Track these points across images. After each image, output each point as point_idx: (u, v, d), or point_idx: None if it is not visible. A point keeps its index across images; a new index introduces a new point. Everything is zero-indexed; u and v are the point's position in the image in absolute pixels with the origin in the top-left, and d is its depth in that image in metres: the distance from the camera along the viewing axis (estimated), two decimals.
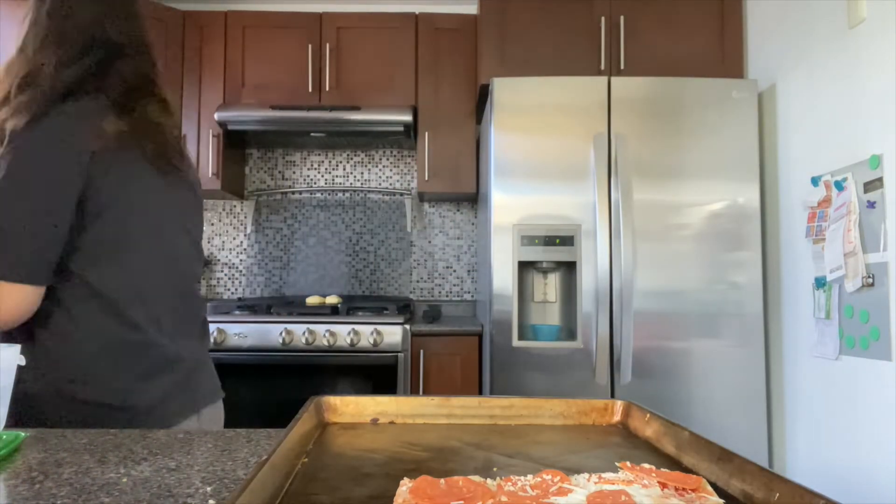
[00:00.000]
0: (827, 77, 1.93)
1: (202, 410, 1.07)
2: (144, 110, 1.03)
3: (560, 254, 2.11)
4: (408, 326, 2.33)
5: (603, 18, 2.45)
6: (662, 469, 0.55)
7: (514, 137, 2.14)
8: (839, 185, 1.83)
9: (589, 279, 2.09)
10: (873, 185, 1.70)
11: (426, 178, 2.66)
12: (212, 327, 2.29)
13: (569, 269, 2.17)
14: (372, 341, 2.28)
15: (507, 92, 2.15)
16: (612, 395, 2.04)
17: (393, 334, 2.30)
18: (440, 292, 3.02)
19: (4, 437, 0.72)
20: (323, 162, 3.06)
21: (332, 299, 2.62)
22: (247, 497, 0.43)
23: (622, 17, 2.45)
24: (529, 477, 0.52)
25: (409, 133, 2.66)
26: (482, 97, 2.57)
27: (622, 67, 2.44)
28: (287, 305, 2.50)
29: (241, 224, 3.03)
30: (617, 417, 0.76)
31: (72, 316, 0.94)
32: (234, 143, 2.86)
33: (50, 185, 0.89)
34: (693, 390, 2.08)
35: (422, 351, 2.33)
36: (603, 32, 2.45)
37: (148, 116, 1.03)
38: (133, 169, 0.99)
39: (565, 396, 0.78)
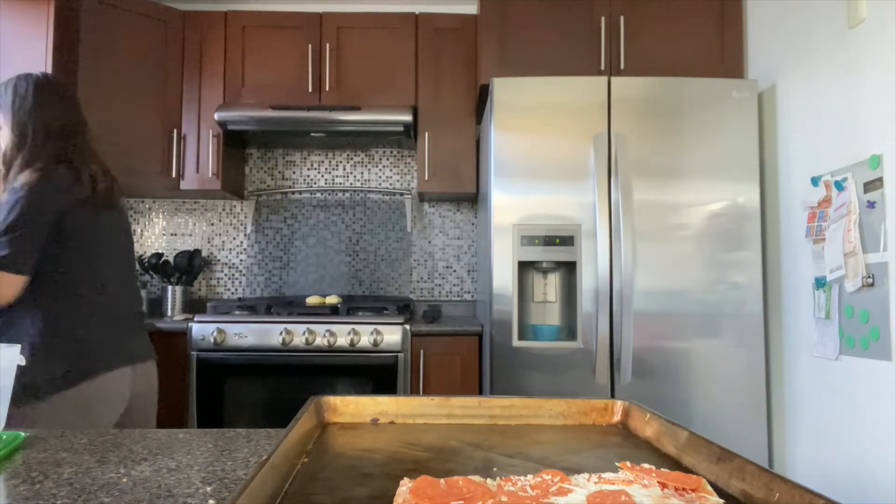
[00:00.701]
0: (827, 77, 1.93)
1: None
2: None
3: (560, 254, 2.11)
4: (408, 326, 2.33)
5: (603, 18, 2.45)
6: (662, 469, 0.55)
7: (514, 137, 2.14)
8: (839, 185, 1.83)
9: (589, 279, 2.09)
10: (873, 185, 1.70)
11: (426, 178, 2.66)
12: (212, 327, 2.29)
13: (569, 269, 2.17)
14: (372, 341, 2.28)
15: (507, 92, 2.15)
16: (612, 395, 2.05)
17: (393, 334, 2.30)
18: (440, 292, 3.02)
19: (4, 437, 0.72)
20: (323, 162, 3.06)
21: (332, 299, 2.62)
22: (247, 497, 0.43)
23: (622, 17, 2.45)
24: (529, 477, 0.52)
25: (409, 133, 2.66)
26: (482, 97, 2.57)
27: (622, 67, 2.44)
28: (287, 305, 2.50)
29: (241, 224, 3.03)
30: (617, 417, 0.76)
31: None
32: (234, 143, 2.86)
33: None
34: (693, 390, 2.08)
35: (422, 351, 2.33)
36: (603, 32, 2.45)
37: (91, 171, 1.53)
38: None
39: (565, 396, 0.78)
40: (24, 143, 1.42)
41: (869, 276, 1.70)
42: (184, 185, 2.69)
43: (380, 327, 2.30)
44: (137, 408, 1.53)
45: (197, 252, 2.91)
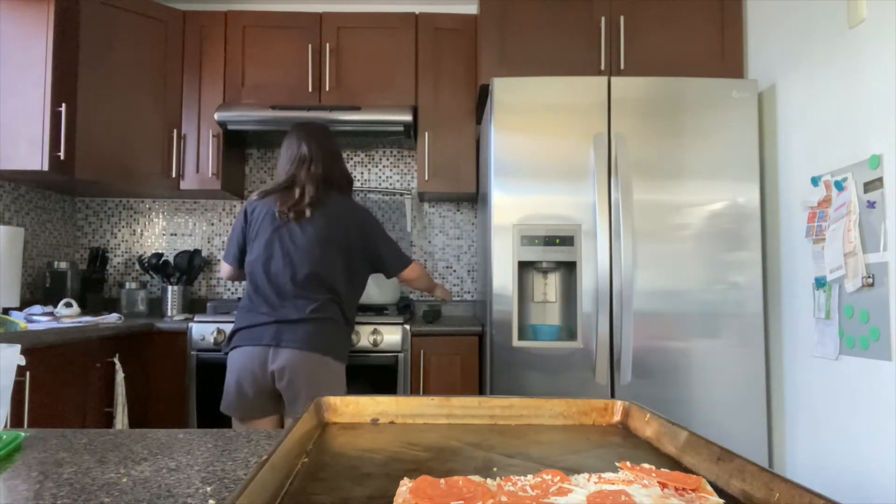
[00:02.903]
0: (827, 77, 1.93)
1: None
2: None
3: (560, 254, 2.11)
4: (408, 326, 2.33)
5: (603, 18, 2.45)
6: (662, 469, 0.55)
7: (514, 137, 2.14)
8: (839, 185, 1.83)
9: (589, 279, 2.09)
10: (873, 185, 1.70)
11: (426, 178, 2.66)
12: (212, 327, 2.29)
13: (569, 269, 2.17)
14: (372, 341, 2.28)
15: (507, 92, 2.15)
16: (612, 395, 2.04)
17: (393, 334, 2.30)
18: None
19: (4, 437, 0.72)
20: None
21: None
22: (247, 497, 0.43)
23: (622, 17, 2.45)
24: (529, 477, 0.52)
25: (409, 133, 2.66)
26: (482, 97, 2.57)
27: (622, 67, 2.44)
28: None
29: None
30: (617, 417, 0.76)
31: None
32: (234, 143, 2.86)
33: None
34: (693, 390, 2.08)
35: (422, 351, 2.33)
36: (603, 32, 2.45)
37: None
38: None
39: (565, 396, 0.78)
40: None
41: (869, 276, 1.70)
42: (184, 185, 2.69)
43: (380, 327, 2.30)
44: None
45: (197, 252, 2.91)
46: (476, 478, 0.51)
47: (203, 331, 2.29)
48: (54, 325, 2.04)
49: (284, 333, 1.78)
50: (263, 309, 1.82)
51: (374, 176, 3.05)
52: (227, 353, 1.86)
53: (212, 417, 2.28)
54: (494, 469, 0.59)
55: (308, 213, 1.84)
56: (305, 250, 1.83)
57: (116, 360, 2.13)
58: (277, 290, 1.83)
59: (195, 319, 2.32)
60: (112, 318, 2.33)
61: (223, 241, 3.03)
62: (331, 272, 1.85)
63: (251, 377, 1.78)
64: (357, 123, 2.59)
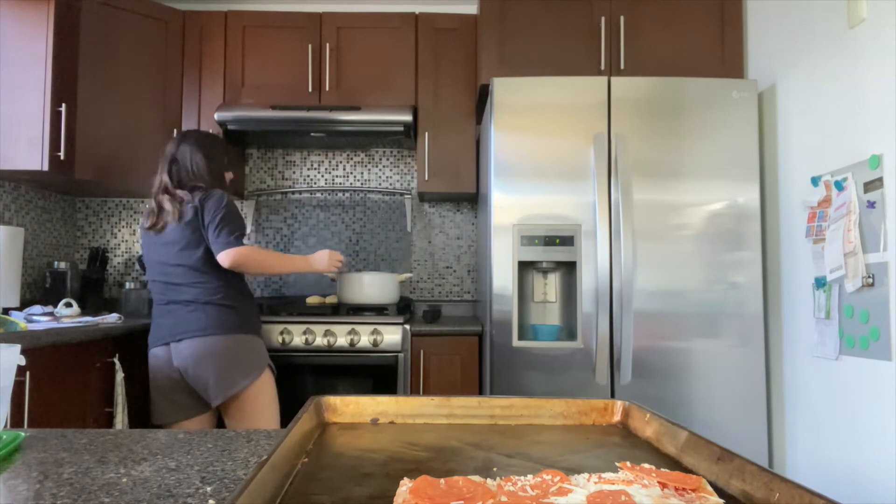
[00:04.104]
0: (827, 77, 1.93)
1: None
2: None
3: (560, 254, 2.11)
4: (408, 326, 2.33)
5: (603, 18, 2.45)
6: (662, 469, 0.55)
7: (514, 137, 2.14)
8: (839, 185, 1.83)
9: (589, 279, 2.09)
10: (873, 185, 1.70)
11: (426, 178, 2.66)
12: None
13: (569, 269, 2.17)
14: (372, 341, 2.28)
15: (507, 92, 2.15)
16: (612, 395, 2.04)
17: (393, 334, 2.30)
18: (440, 292, 3.02)
19: (4, 437, 0.72)
20: (323, 162, 3.06)
21: (331, 299, 2.62)
22: (247, 497, 0.43)
23: (622, 17, 2.45)
24: (529, 477, 0.52)
25: (409, 133, 2.66)
26: (482, 97, 2.57)
27: (622, 67, 2.44)
28: (287, 305, 2.50)
29: None
30: (617, 417, 0.76)
31: None
32: (234, 143, 2.86)
33: None
34: (693, 390, 2.08)
35: (422, 351, 2.33)
36: (603, 32, 2.45)
37: None
38: None
39: (565, 396, 0.78)
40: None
41: (869, 276, 1.70)
42: None
43: (380, 327, 2.30)
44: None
45: None
46: (476, 478, 0.51)
47: None
48: (54, 325, 2.04)
49: (177, 327, 1.91)
50: (160, 318, 1.98)
51: (374, 176, 3.05)
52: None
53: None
54: (494, 469, 0.59)
55: (164, 225, 1.94)
56: (170, 259, 1.94)
57: (116, 360, 2.13)
58: (161, 295, 1.98)
59: None
60: (112, 318, 2.32)
61: None
62: (194, 272, 1.93)
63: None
64: (357, 123, 2.59)
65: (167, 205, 1.94)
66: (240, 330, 1.92)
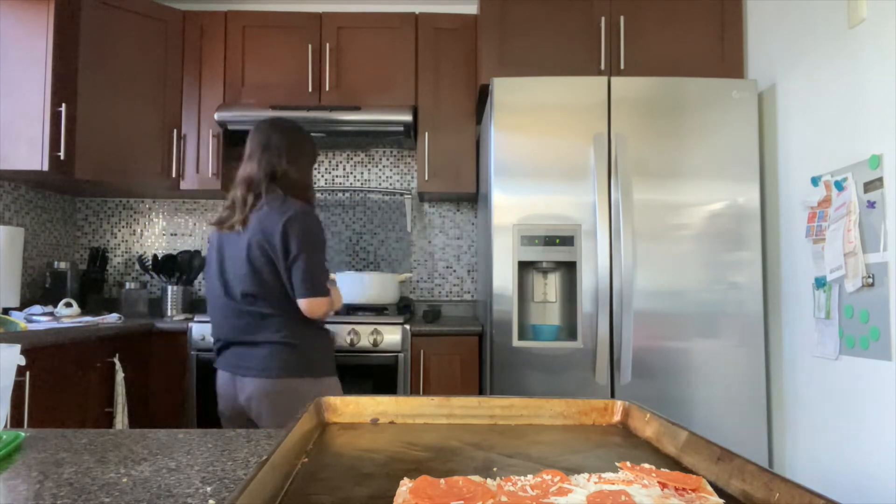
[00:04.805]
0: (827, 77, 1.93)
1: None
2: None
3: (560, 254, 2.11)
4: (408, 326, 2.33)
5: (603, 18, 2.45)
6: (662, 469, 0.55)
7: (514, 137, 2.13)
8: (839, 185, 1.83)
9: (589, 279, 2.09)
10: (873, 185, 1.70)
11: (426, 178, 2.66)
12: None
13: (569, 269, 2.17)
14: (372, 341, 2.28)
15: (507, 92, 2.15)
16: (612, 395, 2.04)
17: (393, 334, 2.30)
18: (440, 292, 3.02)
19: (4, 437, 0.72)
20: (323, 162, 3.06)
21: None
22: (247, 497, 0.43)
23: (622, 17, 2.45)
24: (529, 477, 0.52)
25: (409, 133, 2.66)
26: (482, 97, 2.57)
27: (622, 67, 2.44)
28: None
29: None
30: (617, 417, 0.76)
31: None
32: (234, 143, 2.86)
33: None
34: (693, 390, 2.08)
35: (422, 351, 2.33)
36: (603, 32, 2.45)
37: None
38: None
39: (565, 396, 0.78)
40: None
41: (869, 276, 1.70)
42: (184, 185, 2.69)
43: (380, 327, 2.30)
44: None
45: (197, 252, 2.91)
46: (476, 478, 0.51)
47: (203, 331, 2.29)
48: (54, 325, 2.04)
49: (241, 359, 1.65)
50: (219, 334, 1.71)
51: (374, 176, 3.05)
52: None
53: (212, 417, 2.28)
54: (494, 469, 0.59)
55: (236, 223, 1.64)
56: (237, 266, 1.64)
57: (116, 360, 2.13)
58: (222, 311, 1.69)
59: (195, 319, 2.32)
60: (112, 318, 2.33)
61: None
62: (266, 290, 1.63)
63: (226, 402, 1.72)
64: (357, 123, 2.59)
65: (242, 204, 1.66)
66: (307, 373, 1.65)
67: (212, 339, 1.75)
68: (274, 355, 1.62)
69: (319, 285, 1.63)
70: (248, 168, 1.68)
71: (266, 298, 1.62)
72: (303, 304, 1.62)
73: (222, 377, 1.71)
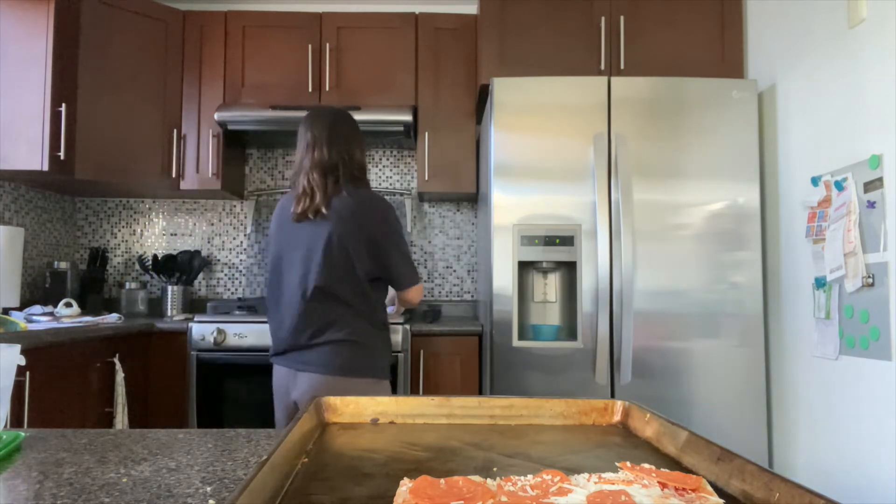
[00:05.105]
0: (827, 77, 1.93)
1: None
2: None
3: (560, 254, 2.11)
4: (408, 326, 2.33)
5: (603, 18, 2.45)
6: (662, 469, 0.55)
7: (514, 137, 2.13)
8: (839, 185, 1.83)
9: (589, 279, 2.09)
10: (873, 185, 1.70)
11: (426, 178, 2.66)
12: (212, 327, 2.29)
13: (569, 269, 2.17)
14: None
15: (507, 92, 2.15)
16: (612, 395, 2.04)
17: (393, 334, 2.30)
18: (440, 292, 3.02)
19: (4, 437, 0.72)
20: None
21: None
22: (247, 497, 0.43)
23: (622, 17, 2.45)
24: (529, 477, 0.52)
25: (409, 133, 2.66)
26: (482, 97, 2.57)
27: (622, 67, 2.44)
28: None
29: (241, 224, 3.03)
30: (617, 417, 0.76)
31: None
32: (234, 143, 2.86)
33: None
34: (693, 390, 2.08)
35: (422, 351, 2.33)
36: (603, 32, 2.45)
37: None
38: None
39: (565, 396, 0.78)
40: None
41: (869, 276, 1.70)
42: (184, 185, 2.69)
43: None
44: None
45: (197, 252, 2.91)
46: (476, 478, 0.51)
47: (203, 331, 2.29)
48: (54, 325, 2.04)
49: (302, 355, 1.59)
50: (281, 331, 1.63)
51: (374, 176, 3.05)
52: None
53: (212, 417, 2.28)
54: (494, 469, 0.59)
55: (316, 210, 1.57)
56: (312, 258, 1.57)
57: (116, 360, 2.13)
58: (288, 306, 1.61)
59: (195, 319, 2.32)
60: (112, 318, 2.33)
61: (223, 241, 3.03)
62: (341, 284, 1.57)
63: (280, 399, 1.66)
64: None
65: (323, 189, 1.58)
66: (368, 373, 1.59)
67: (272, 335, 1.66)
68: (337, 353, 1.56)
69: (417, 272, 1.68)
70: (318, 154, 1.60)
71: (337, 293, 1.56)
72: (411, 292, 1.66)
73: (279, 372, 1.65)
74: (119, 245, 3.02)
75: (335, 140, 1.63)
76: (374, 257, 1.59)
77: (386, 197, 3.04)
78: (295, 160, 1.67)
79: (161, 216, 3.03)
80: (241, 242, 3.02)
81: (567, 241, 2.10)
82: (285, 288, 1.62)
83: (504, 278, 2.11)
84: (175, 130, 2.67)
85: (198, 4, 2.98)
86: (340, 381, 1.55)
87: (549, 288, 2.25)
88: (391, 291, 1.76)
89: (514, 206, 2.12)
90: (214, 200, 3.04)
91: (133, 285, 2.82)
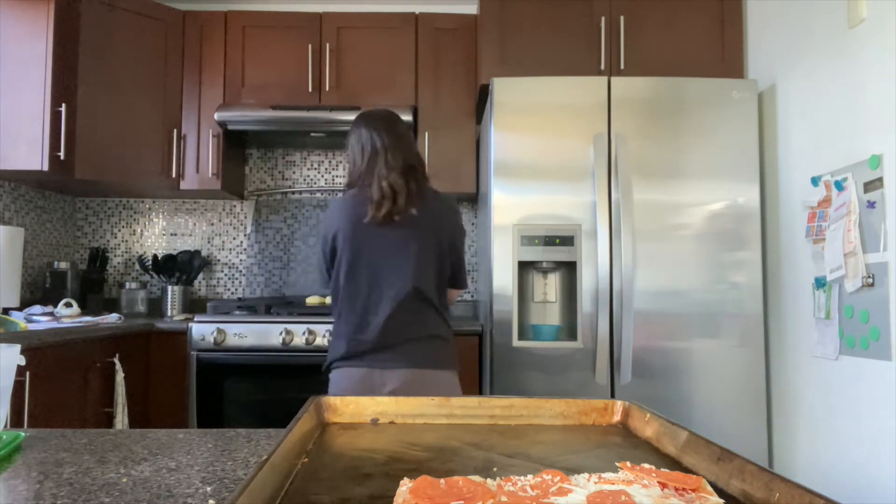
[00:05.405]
0: (827, 77, 1.93)
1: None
2: None
3: (560, 254, 2.11)
4: None
5: (603, 18, 2.45)
6: (662, 469, 0.55)
7: (514, 137, 2.13)
8: (839, 185, 1.83)
9: (589, 279, 2.09)
10: (873, 185, 1.70)
11: (426, 178, 2.65)
12: (212, 327, 2.29)
13: (569, 269, 2.17)
14: None
15: (507, 92, 2.15)
16: (612, 395, 2.04)
17: None
18: None
19: (4, 437, 0.72)
20: (323, 162, 3.06)
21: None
22: (247, 497, 0.43)
23: (622, 17, 2.45)
24: (529, 477, 0.52)
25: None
26: (482, 97, 2.57)
27: (622, 67, 2.44)
28: (287, 305, 2.50)
29: (241, 224, 3.03)
30: (617, 417, 0.76)
31: None
32: (234, 143, 2.86)
33: None
34: (693, 390, 2.08)
35: None
36: (603, 32, 2.45)
37: None
38: None
39: (565, 396, 0.78)
40: None
41: (869, 276, 1.70)
42: (184, 185, 2.69)
43: None
44: None
45: (197, 252, 2.91)
46: (476, 478, 0.51)
47: (203, 331, 2.29)
48: (54, 325, 2.04)
49: (391, 353, 1.57)
50: (364, 333, 1.58)
51: None
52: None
53: (212, 417, 2.28)
54: (494, 469, 0.59)
55: (401, 212, 1.55)
56: (404, 260, 1.57)
57: (116, 360, 2.13)
58: (375, 307, 1.58)
59: (195, 319, 2.32)
60: (112, 318, 2.33)
61: (223, 241, 3.03)
62: (430, 284, 1.60)
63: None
64: None
65: (406, 191, 1.57)
66: (448, 365, 1.62)
67: (347, 338, 1.59)
68: (428, 348, 1.59)
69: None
70: (392, 157, 1.58)
71: (427, 293, 1.58)
72: (459, 292, 1.73)
73: (355, 375, 1.57)
74: (119, 245, 3.02)
75: (403, 141, 1.64)
76: (453, 257, 1.65)
77: None
78: (355, 163, 1.64)
79: (161, 216, 3.03)
80: (241, 242, 3.02)
81: (567, 241, 2.10)
82: (371, 289, 1.57)
83: (504, 278, 2.11)
84: (175, 130, 2.67)
85: (198, 4, 2.98)
86: (430, 374, 1.58)
87: (549, 288, 2.25)
88: None
89: (514, 205, 2.12)
90: (214, 200, 3.04)
91: (133, 285, 2.82)
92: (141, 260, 2.86)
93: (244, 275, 3.01)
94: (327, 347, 2.27)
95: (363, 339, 1.57)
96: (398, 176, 1.57)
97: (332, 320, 2.32)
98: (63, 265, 2.65)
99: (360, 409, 0.76)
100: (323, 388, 2.29)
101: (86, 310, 2.56)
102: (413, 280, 1.56)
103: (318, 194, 3.04)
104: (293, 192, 3.04)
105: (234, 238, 3.03)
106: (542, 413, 0.76)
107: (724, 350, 2.08)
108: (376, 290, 1.58)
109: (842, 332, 1.82)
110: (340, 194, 1.67)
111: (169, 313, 2.74)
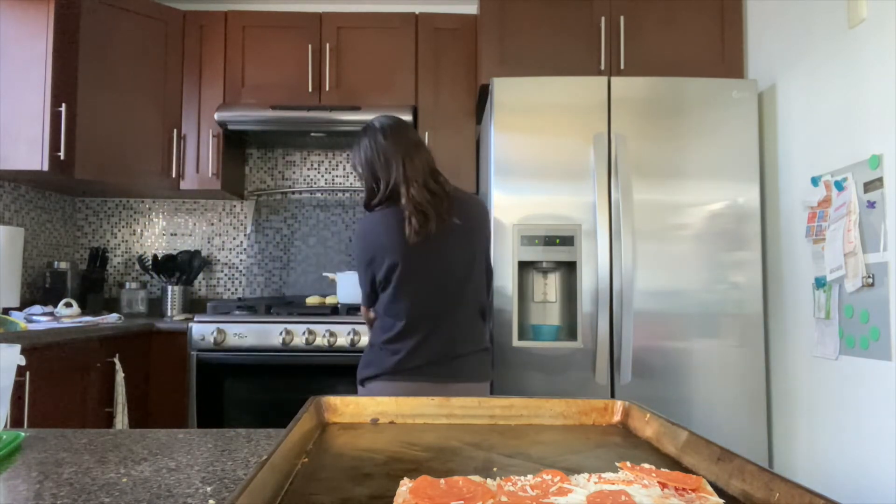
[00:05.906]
0: (827, 77, 1.93)
1: None
2: None
3: (560, 254, 2.11)
4: None
5: (603, 18, 2.45)
6: (662, 469, 0.55)
7: (514, 137, 2.13)
8: (839, 185, 1.83)
9: (589, 279, 2.09)
10: (873, 185, 1.70)
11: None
12: (212, 327, 2.29)
13: (569, 269, 2.17)
14: None
15: (507, 92, 2.15)
16: (612, 395, 2.04)
17: None
18: None
19: (4, 437, 0.72)
20: (323, 162, 3.06)
21: (331, 299, 2.62)
22: (247, 497, 0.43)
23: (622, 17, 2.45)
24: (529, 477, 0.52)
25: None
26: (482, 97, 2.57)
27: (622, 67, 2.44)
28: (287, 305, 2.50)
29: (241, 224, 3.03)
30: (617, 417, 0.76)
31: None
32: (234, 143, 2.86)
33: None
34: (693, 390, 2.07)
35: None
36: (603, 32, 2.45)
37: None
38: None
39: (565, 396, 0.78)
40: None
41: (869, 276, 1.70)
42: (184, 185, 2.69)
43: None
44: None
45: (197, 252, 2.91)
46: (476, 478, 0.51)
47: (203, 331, 2.29)
48: (54, 325, 2.04)
49: (452, 366, 1.53)
50: (416, 345, 1.52)
51: None
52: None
53: (212, 417, 2.28)
54: (494, 469, 0.59)
55: (442, 221, 1.50)
56: (456, 269, 1.54)
57: (116, 360, 2.13)
58: (428, 319, 1.54)
59: (195, 319, 2.32)
60: (112, 318, 2.33)
61: (223, 241, 3.03)
62: (480, 292, 1.60)
63: None
64: (357, 123, 2.58)
65: (438, 200, 1.52)
66: (491, 376, 1.66)
67: (396, 353, 1.52)
68: (483, 360, 1.61)
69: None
70: (419, 164, 1.54)
71: (474, 302, 1.58)
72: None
73: (416, 388, 1.49)
74: (119, 245, 3.02)
75: (421, 148, 1.60)
76: (486, 263, 1.67)
77: None
78: (374, 176, 1.63)
79: (161, 216, 3.03)
80: (241, 242, 3.02)
81: (567, 241, 2.10)
82: (420, 300, 1.52)
83: (504, 278, 2.11)
84: (175, 130, 2.67)
85: (198, 4, 2.97)
86: (484, 387, 1.62)
87: (549, 288, 2.25)
88: None
89: (513, 206, 2.12)
90: (214, 200, 3.04)
91: (133, 285, 2.82)
92: (141, 260, 2.86)
93: (244, 275, 3.01)
94: (327, 347, 2.28)
95: (416, 353, 1.51)
96: (426, 177, 1.53)
97: (332, 320, 2.34)
98: (63, 265, 2.65)
99: (360, 409, 0.76)
100: (323, 389, 2.29)
101: (86, 310, 2.56)
102: (466, 290, 1.55)
103: (318, 194, 3.04)
104: (293, 192, 3.04)
105: (234, 238, 3.03)
106: (542, 413, 0.76)
107: (724, 350, 2.08)
108: (427, 301, 1.53)
109: (842, 332, 1.82)
110: (365, 212, 1.68)
111: (169, 313, 2.74)
